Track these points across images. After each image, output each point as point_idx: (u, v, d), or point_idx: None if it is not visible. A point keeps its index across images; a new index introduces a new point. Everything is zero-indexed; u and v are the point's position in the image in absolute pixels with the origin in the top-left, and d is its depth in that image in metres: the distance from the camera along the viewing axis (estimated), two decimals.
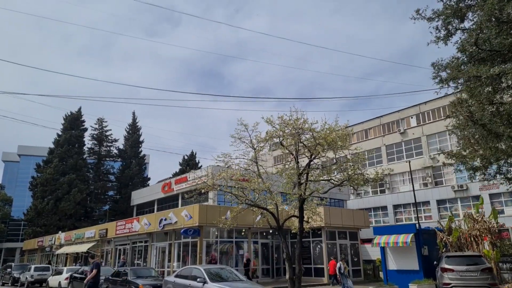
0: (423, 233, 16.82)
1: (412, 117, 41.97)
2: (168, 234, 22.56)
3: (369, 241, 31.27)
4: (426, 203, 38.96)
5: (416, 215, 38.43)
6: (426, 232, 17.40)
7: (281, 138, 13.67)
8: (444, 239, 16.40)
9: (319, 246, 21.95)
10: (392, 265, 17.09)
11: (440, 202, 38.03)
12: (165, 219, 21.54)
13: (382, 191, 42.73)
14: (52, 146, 52.47)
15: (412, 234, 16.22)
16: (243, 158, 14.81)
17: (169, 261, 21.95)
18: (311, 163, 13.25)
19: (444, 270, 12.35)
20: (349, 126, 14.68)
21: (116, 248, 28.36)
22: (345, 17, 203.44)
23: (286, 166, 13.78)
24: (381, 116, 44.90)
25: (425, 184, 39.36)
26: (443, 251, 16.49)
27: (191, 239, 20.38)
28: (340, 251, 22.31)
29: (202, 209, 19.56)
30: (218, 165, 16.74)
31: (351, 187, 13.24)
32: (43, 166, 51.80)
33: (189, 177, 31.22)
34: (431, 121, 39.89)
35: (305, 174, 13.12)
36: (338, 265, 17.31)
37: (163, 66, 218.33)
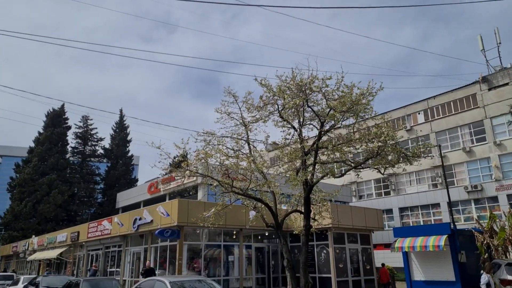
0: (458, 235, 13.40)
1: (419, 113, 38.80)
2: (144, 236, 18.96)
3: (374, 246, 28.05)
4: (436, 205, 35.77)
5: (441, 217, 35.36)
6: (462, 234, 13.97)
7: (279, 107, 10.26)
8: (485, 241, 13.01)
9: (325, 251, 18.36)
10: (418, 274, 13.63)
11: (451, 204, 34.77)
12: (140, 219, 17.96)
13: (387, 193, 39.55)
14: (33, 145, 48.89)
15: (446, 236, 12.80)
16: (231, 137, 11.46)
17: None
18: (322, 136, 9.76)
19: (507, 282, 9.02)
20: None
21: (89, 254, 24.68)
22: (341, 24, 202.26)
23: (287, 141, 10.29)
24: (385, 113, 41.74)
25: (435, 185, 36.14)
26: (485, 256, 13.08)
27: (170, 242, 16.80)
28: (350, 257, 18.74)
29: (183, 205, 15.94)
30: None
31: (375, 169, 9.86)
32: (22, 166, 48.11)
33: (176, 177, 27.95)
34: (440, 116, 36.73)
35: (313, 152, 9.67)
36: (485, 279, 10.22)
37: (159, 73, 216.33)
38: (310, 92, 9.49)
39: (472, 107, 34.29)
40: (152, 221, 17.16)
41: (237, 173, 10.47)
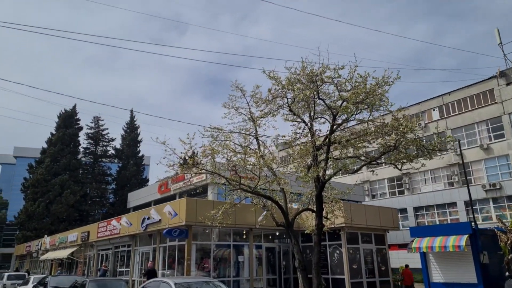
0: (479, 235, 12.69)
1: (434, 110, 37.69)
2: (153, 236, 18.69)
3: (389, 246, 27.21)
4: (452, 204, 34.66)
5: (459, 217, 34.28)
6: (483, 233, 13.24)
7: (289, 100, 9.77)
8: (509, 241, 12.28)
9: (337, 251, 17.77)
10: (437, 276, 12.97)
11: (468, 203, 33.60)
12: (148, 218, 17.67)
13: (401, 192, 38.57)
14: (46, 146, 49.41)
15: (467, 235, 12.12)
16: (239, 132, 11.02)
17: None
18: (334, 129, 9.21)
19: None
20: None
21: (99, 254, 24.59)
22: (351, 21, 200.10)
23: (297, 136, 9.78)
24: (399, 109, 40.71)
25: (451, 184, 35.03)
26: (509, 257, 12.35)
27: (178, 242, 16.46)
28: (364, 258, 18.07)
29: (191, 204, 15.59)
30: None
31: (392, 165, 9.30)
32: (35, 166, 48.64)
33: (186, 176, 27.69)
34: (456, 113, 35.61)
35: (325, 147, 9.15)
36: None
37: (169, 74, 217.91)
38: (321, 84, 8.97)
39: (490, 103, 33.13)
40: (160, 220, 16.86)
41: (245, 170, 10.03)
